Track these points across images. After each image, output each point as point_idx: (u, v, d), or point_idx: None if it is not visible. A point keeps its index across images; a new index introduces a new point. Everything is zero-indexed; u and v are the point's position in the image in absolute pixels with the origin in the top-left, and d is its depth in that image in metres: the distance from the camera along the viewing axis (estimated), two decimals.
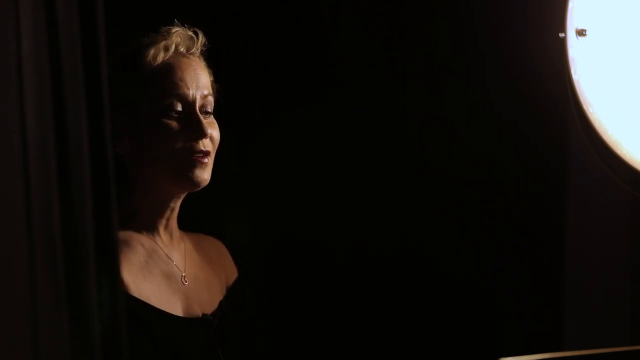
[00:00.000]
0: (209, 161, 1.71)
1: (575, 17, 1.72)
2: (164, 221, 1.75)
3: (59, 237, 0.98)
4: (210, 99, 1.74)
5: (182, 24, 1.76)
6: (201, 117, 1.71)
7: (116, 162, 1.69)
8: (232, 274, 1.87)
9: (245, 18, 2.17)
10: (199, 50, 1.77)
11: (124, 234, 1.70)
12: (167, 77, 1.70)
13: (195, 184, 1.70)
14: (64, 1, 0.99)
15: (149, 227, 1.74)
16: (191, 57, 1.75)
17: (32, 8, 0.97)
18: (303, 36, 2.21)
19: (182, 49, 1.74)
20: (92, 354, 1.00)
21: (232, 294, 1.83)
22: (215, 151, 1.74)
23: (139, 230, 1.73)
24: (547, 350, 1.59)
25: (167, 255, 1.74)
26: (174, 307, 1.71)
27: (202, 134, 1.69)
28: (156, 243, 1.73)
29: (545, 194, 2.18)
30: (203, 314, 1.73)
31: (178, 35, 1.73)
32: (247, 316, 1.84)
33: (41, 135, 0.98)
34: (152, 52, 1.70)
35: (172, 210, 1.75)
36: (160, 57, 1.70)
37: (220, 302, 1.79)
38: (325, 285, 2.22)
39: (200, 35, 1.77)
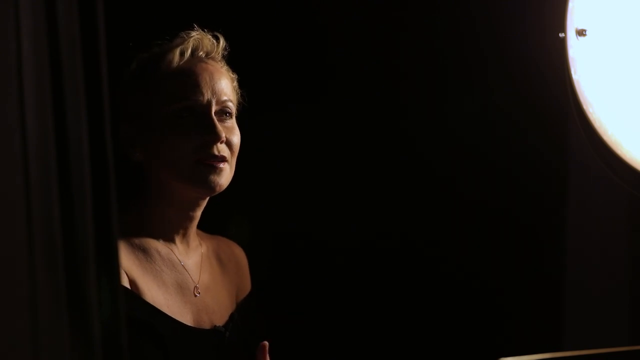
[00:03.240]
0: (225, 166, 1.67)
1: (575, 17, 1.72)
2: (182, 230, 1.72)
3: (59, 237, 0.98)
4: (229, 104, 1.70)
5: (203, 29, 1.73)
6: (215, 120, 1.67)
7: (134, 169, 1.69)
8: (246, 288, 1.86)
9: (242, 18, 2.17)
10: (220, 55, 1.74)
11: (141, 240, 1.68)
12: (181, 82, 1.67)
13: (210, 188, 1.67)
14: (64, 1, 0.99)
15: (167, 235, 1.71)
16: (210, 61, 1.71)
17: (32, 8, 0.97)
18: (302, 37, 2.20)
19: (200, 54, 1.71)
20: (92, 354, 1.00)
21: (243, 307, 1.82)
22: (235, 156, 1.70)
23: (156, 237, 1.70)
24: (547, 350, 1.59)
25: (182, 265, 1.72)
26: (185, 317, 1.69)
27: (216, 137, 1.65)
28: (172, 252, 1.71)
29: (545, 194, 2.18)
30: (215, 326, 1.72)
31: (195, 39, 1.70)
32: (257, 329, 1.82)
33: (41, 135, 0.98)
34: (167, 57, 1.68)
35: (192, 219, 1.73)
36: (175, 61, 1.68)
37: (232, 315, 1.78)
38: (325, 283, 2.22)
39: (222, 40, 1.74)
